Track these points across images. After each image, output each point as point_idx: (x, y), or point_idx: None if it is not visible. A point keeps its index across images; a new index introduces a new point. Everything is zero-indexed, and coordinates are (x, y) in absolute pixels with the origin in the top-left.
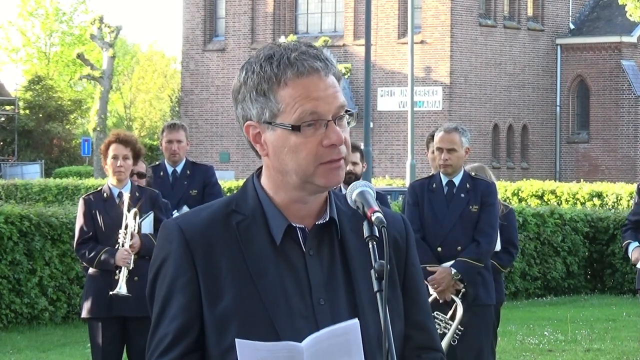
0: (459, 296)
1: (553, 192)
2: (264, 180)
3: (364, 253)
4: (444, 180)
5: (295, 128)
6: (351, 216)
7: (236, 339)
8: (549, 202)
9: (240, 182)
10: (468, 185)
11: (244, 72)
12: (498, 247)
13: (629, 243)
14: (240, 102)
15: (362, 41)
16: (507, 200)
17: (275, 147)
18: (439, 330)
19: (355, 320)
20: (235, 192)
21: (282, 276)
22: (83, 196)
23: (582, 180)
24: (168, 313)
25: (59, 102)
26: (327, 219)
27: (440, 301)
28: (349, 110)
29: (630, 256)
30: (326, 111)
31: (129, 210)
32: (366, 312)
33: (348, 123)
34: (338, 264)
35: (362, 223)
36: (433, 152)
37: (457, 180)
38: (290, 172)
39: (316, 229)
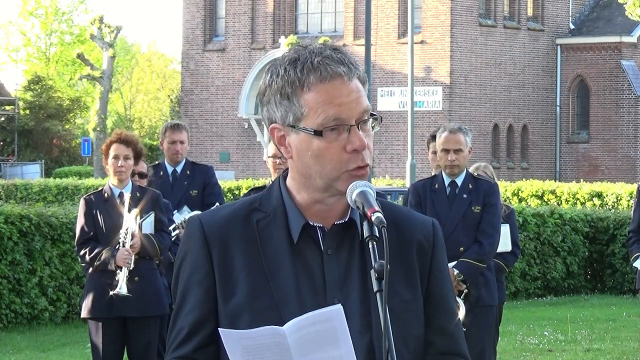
0: (462, 297)
1: (553, 192)
2: (288, 181)
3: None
4: (447, 181)
5: (318, 133)
6: None
7: (219, 329)
8: (549, 202)
9: (240, 182)
10: (470, 186)
11: (269, 75)
12: (508, 248)
13: (637, 257)
14: (266, 104)
15: (362, 41)
16: (507, 200)
17: (299, 150)
18: None
19: (339, 306)
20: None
21: (297, 274)
22: (84, 196)
23: (582, 180)
24: (185, 306)
25: (59, 102)
26: (347, 220)
27: None
28: (374, 114)
29: None
30: (349, 116)
31: (129, 211)
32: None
33: (372, 127)
34: (356, 265)
35: (390, 226)
36: (434, 153)
37: (459, 180)
38: (314, 176)
39: (336, 229)
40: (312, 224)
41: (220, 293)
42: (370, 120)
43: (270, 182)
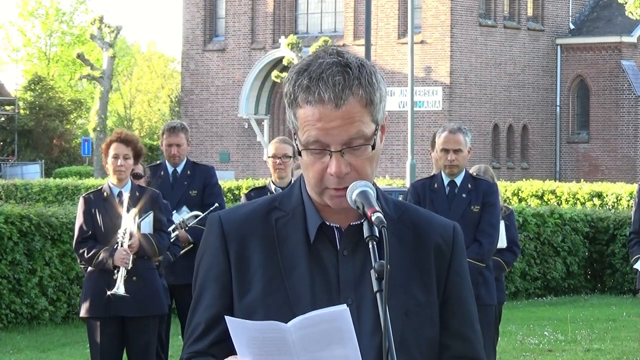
0: None
1: (553, 192)
2: None
3: (402, 257)
4: (446, 181)
5: (302, 150)
6: (396, 220)
7: (225, 317)
8: (549, 202)
9: (240, 182)
10: (469, 186)
11: (287, 76)
12: (504, 244)
13: (638, 258)
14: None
15: (362, 41)
16: (507, 200)
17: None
18: None
19: (344, 307)
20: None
21: (312, 274)
22: (83, 195)
23: (582, 180)
24: (202, 302)
25: (59, 102)
26: (363, 221)
27: None
28: (367, 143)
29: None
30: (330, 142)
31: (128, 210)
32: (390, 314)
33: (373, 147)
34: (371, 266)
35: (408, 228)
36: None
37: (458, 180)
38: (308, 183)
39: (352, 230)
40: (329, 224)
41: (236, 289)
42: (364, 145)
43: (270, 182)
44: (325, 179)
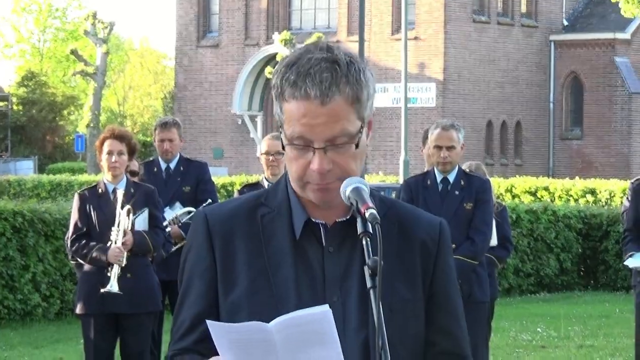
0: None
1: (546, 188)
2: None
3: (386, 254)
4: (439, 177)
5: (286, 144)
6: (382, 217)
7: (207, 320)
8: (542, 199)
9: (234, 179)
10: (462, 182)
11: (277, 68)
12: (495, 242)
13: (630, 255)
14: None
15: (356, 37)
16: (501, 197)
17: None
18: None
19: (327, 309)
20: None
21: (297, 271)
22: (78, 191)
23: (575, 176)
24: (188, 299)
25: (53, 99)
26: (349, 217)
27: None
28: (351, 141)
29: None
30: (314, 139)
31: (122, 207)
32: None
33: (357, 145)
34: (357, 263)
35: (393, 224)
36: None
37: (451, 177)
38: (291, 177)
39: (338, 227)
40: (314, 220)
41: (221, 287)
42: (347, 144)
43: (263, 178)
44: (308, 174)
